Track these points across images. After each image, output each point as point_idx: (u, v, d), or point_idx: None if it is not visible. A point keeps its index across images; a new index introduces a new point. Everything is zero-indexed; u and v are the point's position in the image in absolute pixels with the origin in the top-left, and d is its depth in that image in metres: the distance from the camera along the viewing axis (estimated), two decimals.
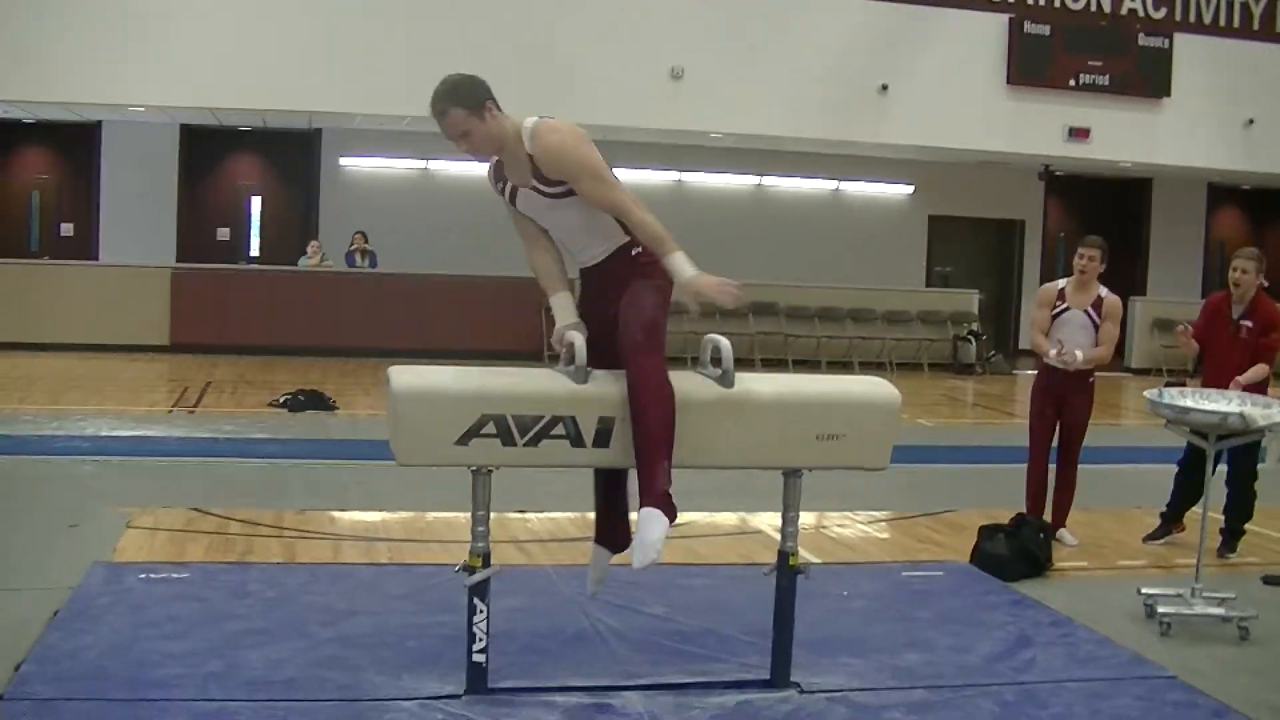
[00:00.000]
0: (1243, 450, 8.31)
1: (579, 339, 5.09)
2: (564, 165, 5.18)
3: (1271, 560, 8.59)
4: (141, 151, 21.13)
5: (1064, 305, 8.78)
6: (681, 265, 5.12)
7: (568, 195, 5.24)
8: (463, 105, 5.13)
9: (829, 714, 5.46)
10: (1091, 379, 8.81)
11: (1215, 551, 8.72)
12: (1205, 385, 8.42)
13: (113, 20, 16.83)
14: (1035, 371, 9.36)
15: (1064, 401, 8.82)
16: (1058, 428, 8.94)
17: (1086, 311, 8.71)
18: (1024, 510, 8.67)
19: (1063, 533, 8.90)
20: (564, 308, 5.31)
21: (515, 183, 5.34)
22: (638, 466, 5.06)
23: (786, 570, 5.54)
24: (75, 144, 21.41)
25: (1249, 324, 8.66)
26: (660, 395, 4.99)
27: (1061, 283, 8.95)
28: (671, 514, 5.06)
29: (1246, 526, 8.93)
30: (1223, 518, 8.92)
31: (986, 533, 8.27)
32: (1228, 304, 8.81)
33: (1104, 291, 8.79)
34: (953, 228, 24.84)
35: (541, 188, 5.26)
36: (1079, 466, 8.95)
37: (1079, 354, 8.58)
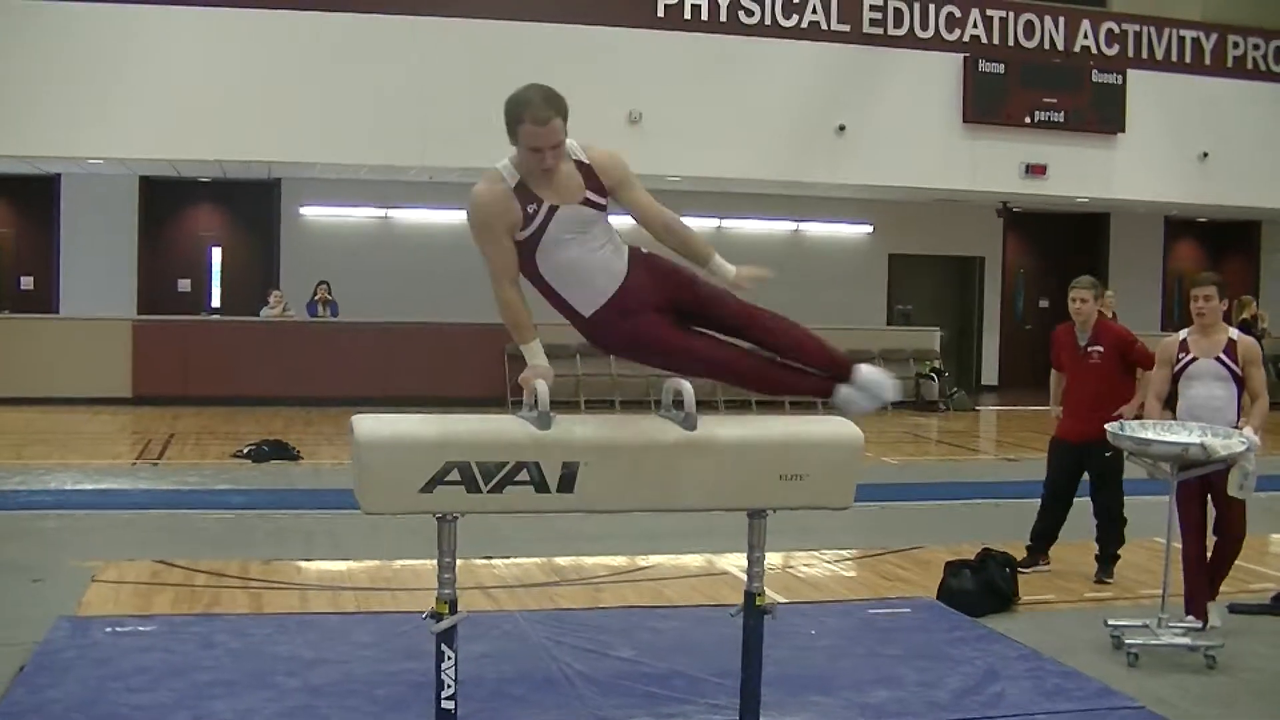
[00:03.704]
0: (1108, 476, 8.90)
1: (543, 385, 5.08)
2: (619, 170, 5.25)
3: (1238, 588, 8.61)
4: (100, 204, 21.06)
5: (1189, 356, 7.78)
6: (724, 264, 5.32)
7: (605, 213, 5.26)
8: (563, 116, 5.05)
9: None
10: None
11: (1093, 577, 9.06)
12: (1066, 411, 9.22)
13: (70, 73, 16.84)
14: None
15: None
16: (1209, 502, 7.80)
17: (1219, 359, 7.70)
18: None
19: (1212, 608, 7.73)
20: (537, 353, 5.24)
21: (557, 201, 5.13)
22: (818, 363, 5.59)
23: (753, 610, 5.53)
24: (34, 197, 21.32)
25: (1099, 348, 8.98)
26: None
27: (1182, 334, 7.93)
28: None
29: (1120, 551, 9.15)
30: (1096, 545, 9.16)
31: (952, 568, 8.30)
32: (1073, 334, 9.15)
33: (1235, 333, 7.81)
34: (913, 266, 24.96)
35: (595, 199, 5.19)
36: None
37: (1252, 435, 7.32)
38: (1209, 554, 7.80)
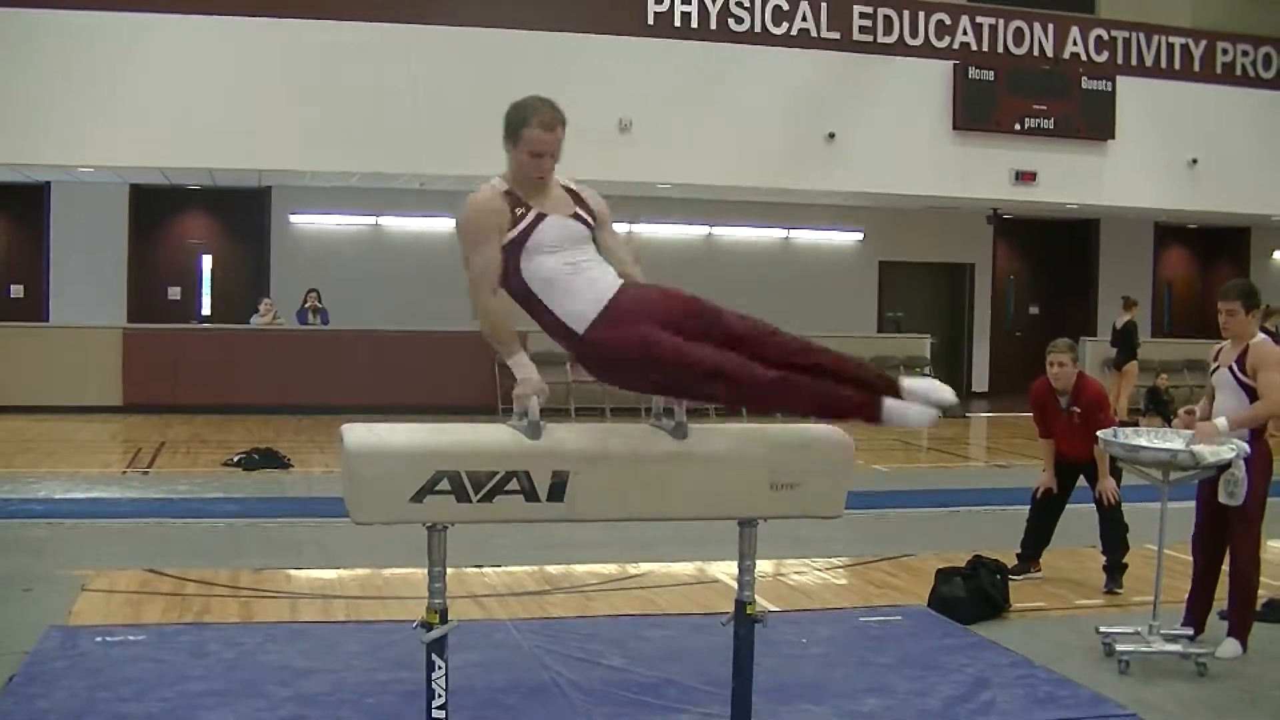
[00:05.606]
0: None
1: (534, 401, 5.03)
2: (605, 208, 5.43)
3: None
4: (91, 212, 21.06)
5: (1215, 365, 7.54)
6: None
7: (593, 235, 5.32)
8: (563, 127, 5.18)
9: None
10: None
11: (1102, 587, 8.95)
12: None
13: (61, 81, 16.82)
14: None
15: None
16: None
17: (1229, 369, 7.38)
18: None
19: (1228, 644, 7.36)
20: (524, 365, 5.18)
21: (547, 210, 5.18)
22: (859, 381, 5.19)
23: (744, 619, 5.53)
24: (24, 205, 21.32)
25: (1078, 410, 8.90)
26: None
27: (1226, 341, 7.58)
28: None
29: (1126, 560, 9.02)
30: (1102, 555, 9.06)
31: (943, 576, 8.30)
32: (1053, 394, 9.06)
33: (1255, 340, 7.38)
34: (903, 273, 24.99)
35: (584, 216, 5.29)
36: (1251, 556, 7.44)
37: (1221, 421, 7.17)
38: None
